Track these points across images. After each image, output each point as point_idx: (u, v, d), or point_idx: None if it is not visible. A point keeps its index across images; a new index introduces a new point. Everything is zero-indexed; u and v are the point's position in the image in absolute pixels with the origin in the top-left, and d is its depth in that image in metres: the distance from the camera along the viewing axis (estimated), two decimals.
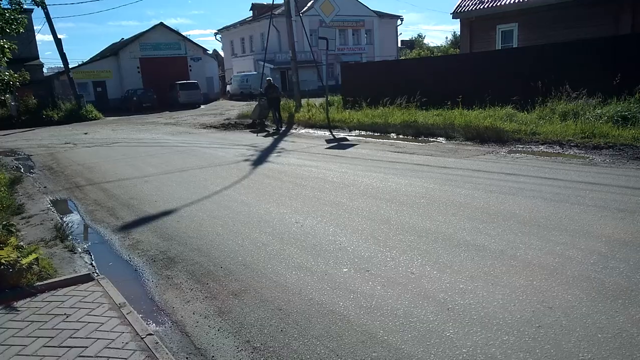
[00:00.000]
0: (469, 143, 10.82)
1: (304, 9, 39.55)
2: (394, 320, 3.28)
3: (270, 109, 17.59)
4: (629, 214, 5.08)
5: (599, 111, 10.45)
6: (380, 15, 49.74)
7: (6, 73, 9.33)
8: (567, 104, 11.26)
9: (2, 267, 3.99)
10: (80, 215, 6.92)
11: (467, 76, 14.74)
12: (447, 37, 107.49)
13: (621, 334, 2.92)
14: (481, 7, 18.79)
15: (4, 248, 4.20)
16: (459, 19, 20.26)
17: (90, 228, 6.28)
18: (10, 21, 8.16)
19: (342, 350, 3.00)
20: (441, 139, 11.80)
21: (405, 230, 5.09)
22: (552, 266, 3.92)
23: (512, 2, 17.69)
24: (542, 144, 9.72)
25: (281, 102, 18.45)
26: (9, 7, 8.82)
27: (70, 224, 6.41)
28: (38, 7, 11.23)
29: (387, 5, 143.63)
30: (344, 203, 6.34)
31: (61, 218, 6.69)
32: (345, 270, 4.18)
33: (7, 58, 8.43)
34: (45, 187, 9.06)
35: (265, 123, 17.95)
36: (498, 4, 18.17)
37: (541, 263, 3.99)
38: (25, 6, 9.54)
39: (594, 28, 14.81)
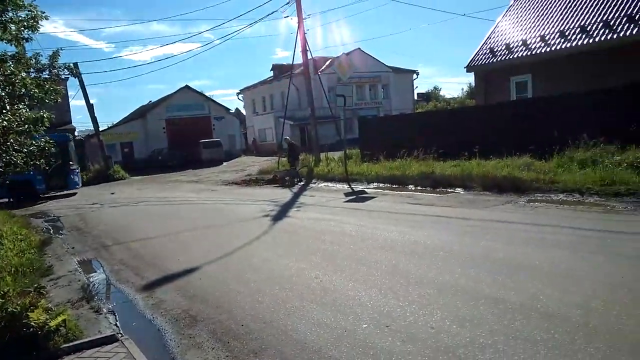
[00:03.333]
0: (488, 193, 10.82)
1: (322, 67, 40.99)
2: None
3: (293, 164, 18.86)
4: None
5: (617, 158, 10.41)
6: (396, 70, 51.08)
7: (42, 140, 9.88)
8: (585, 152, 11.26)
9: (32, 329, 4.14)
10: (106, 275, 7.11)
11: (483, 127, 14.93)
12: (462, 89, 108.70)
13: None
14: (494, 60, 19.25)
15: (34, 310, 4.37)
16: (473, 72, 20.78)
17: (115, 288, 6.44)
18: (49, 92, 8.72)
19: None
20: (459, 189, 11.83)
21: (424, 284, 5.09)
22: (574, 318, 3.86)
23: (524, 55, 18.10)
24: (561, 193, 9.66)
25: (300, 157, 20.14)
26: (49, 77, 9.46)
27: (96, 285, 6.61)
28: (74, 77, 11.96)
29: (403, 61, 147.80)
30: (363, 257, 6.38)
31: (88, 279, 6.90)
32: (364, 326, 4.19)
33: (45, 127, 8.95)
34: (73, 247, 9.36)
35: (285, 179, 18.32)
36: (510, 57, 18.59)
37: (563, 315, 3.94)
38: (62, 76, 10.22)
39: (608, 77, 14.96)
